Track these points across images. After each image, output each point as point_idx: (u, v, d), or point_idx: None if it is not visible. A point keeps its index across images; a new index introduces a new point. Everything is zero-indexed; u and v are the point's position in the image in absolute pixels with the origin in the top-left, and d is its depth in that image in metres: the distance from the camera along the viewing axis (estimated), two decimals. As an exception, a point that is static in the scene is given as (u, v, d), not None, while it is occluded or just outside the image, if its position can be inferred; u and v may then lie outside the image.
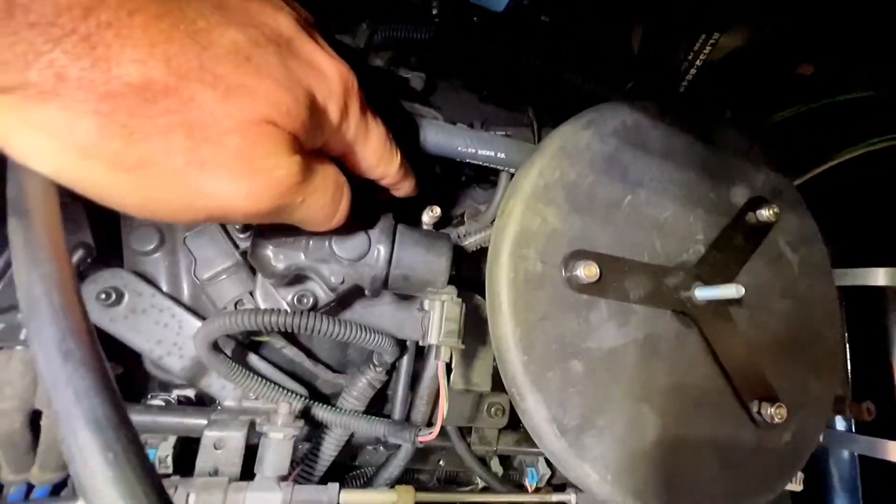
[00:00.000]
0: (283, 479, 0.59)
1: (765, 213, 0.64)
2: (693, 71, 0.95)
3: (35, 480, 0.65)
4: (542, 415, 0.49)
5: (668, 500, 0.51)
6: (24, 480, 0.65)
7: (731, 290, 0.53)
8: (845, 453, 0.91)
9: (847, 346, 0.89)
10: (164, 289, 0.68)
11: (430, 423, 0.76)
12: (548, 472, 0.88)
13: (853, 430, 0.90)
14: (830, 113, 0.96)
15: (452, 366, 0.73)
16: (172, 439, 0.71)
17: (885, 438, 0.84)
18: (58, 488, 0.67)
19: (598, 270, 0.52)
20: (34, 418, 0.64)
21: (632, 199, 0.57)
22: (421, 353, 0.77)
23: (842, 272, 0.96)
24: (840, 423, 0.92)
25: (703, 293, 0.56)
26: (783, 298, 0.64)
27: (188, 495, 0.52)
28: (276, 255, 0.52)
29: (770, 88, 0.99)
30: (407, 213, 0.74)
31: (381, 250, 0.54)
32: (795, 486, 0.77)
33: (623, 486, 0.50)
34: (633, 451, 0.51)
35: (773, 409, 0.57)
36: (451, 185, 0.87)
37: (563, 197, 0.54)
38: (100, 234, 0.66)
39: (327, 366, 0.75)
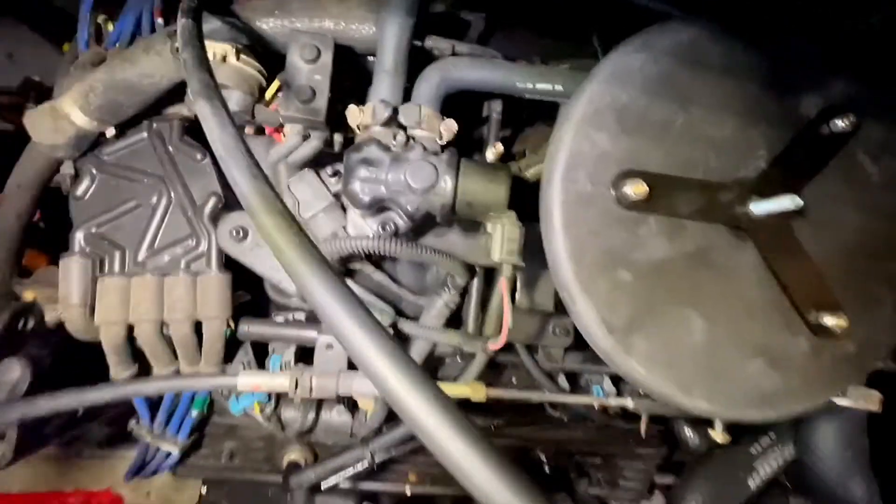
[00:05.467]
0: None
1: (840, 124, 0.61)
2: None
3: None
4: (591, 316, 0.56)
5: (714, 391, 0.56)
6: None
7: (786, 202, 0.54)
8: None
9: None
10: (278, 226, 0.84)
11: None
12: (613, 390, 0.95)
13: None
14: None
15: (518, 286, 0.81)
16: (293, 347, 0.89)
17: None
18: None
19: (646, 188, 0.56)
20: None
21: (686, 117, 0.59)
22: (490, 281, 0.87)
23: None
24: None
25: (758, 207, 0.57)
26: (858, 212, 0.62)
27: (311, 378, 0.68)
28: (363, 189, 0.64)
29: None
30: (473, 151, 0.81)
31: (447, 180, 0.62)
32: (872, 406, 0.76)
33: (669, 380, 0.56)
34: (679, 349, 0.57)
35: (832, 319, 0.58)
36: (514, 123, 0.92)
37: (614, 120, 0.57)
38: (226, 184, 0.82)
39: (409, 291, 0.87)
